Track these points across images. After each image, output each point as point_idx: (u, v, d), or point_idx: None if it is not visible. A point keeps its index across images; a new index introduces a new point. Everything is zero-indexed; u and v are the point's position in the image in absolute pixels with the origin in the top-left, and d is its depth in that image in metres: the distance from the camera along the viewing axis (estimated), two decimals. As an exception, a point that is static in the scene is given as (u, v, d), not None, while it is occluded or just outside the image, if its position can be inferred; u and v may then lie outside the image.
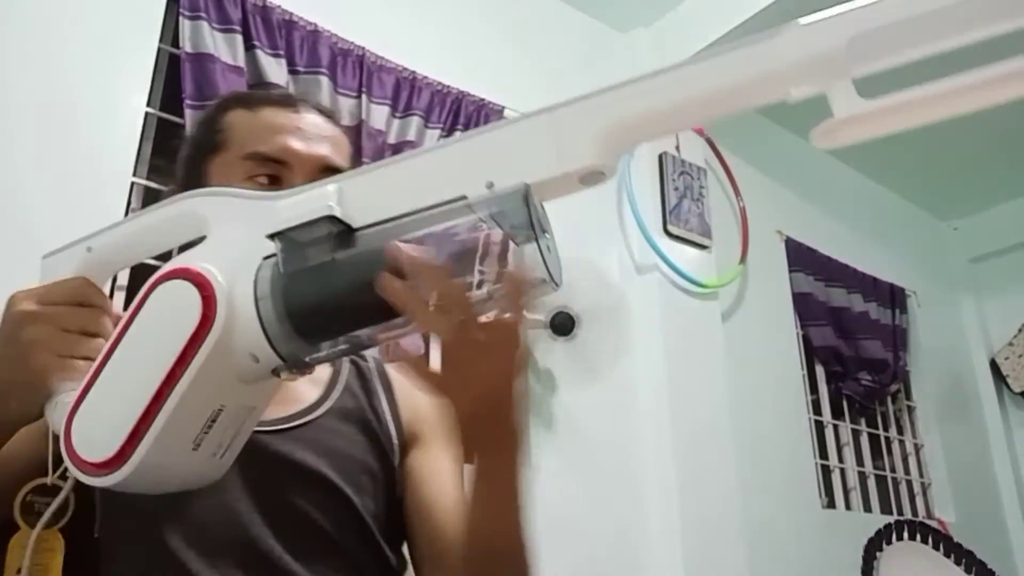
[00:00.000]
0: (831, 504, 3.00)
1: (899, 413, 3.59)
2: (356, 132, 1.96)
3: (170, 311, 0.45)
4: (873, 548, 2.75)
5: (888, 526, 2.87)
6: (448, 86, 2.20)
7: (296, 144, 0.73)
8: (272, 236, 0.46)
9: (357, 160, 0.85)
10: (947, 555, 2.94)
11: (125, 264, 0.55)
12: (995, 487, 3.67)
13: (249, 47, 1.83)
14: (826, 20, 0.40)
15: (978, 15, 0.37)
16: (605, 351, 2.26)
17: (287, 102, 0.78)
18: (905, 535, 2.89)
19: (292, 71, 1.90)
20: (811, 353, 3.16)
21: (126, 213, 1.64)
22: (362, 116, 1.97)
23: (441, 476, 0.77)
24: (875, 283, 3.47)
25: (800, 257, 3.17)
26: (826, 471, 3.07)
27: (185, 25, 1.75)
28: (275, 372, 0.47)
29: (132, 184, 1.67)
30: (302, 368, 0.48)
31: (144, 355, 0.45)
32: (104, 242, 0.53)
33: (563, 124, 0.44)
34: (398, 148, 2.03)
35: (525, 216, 0.43)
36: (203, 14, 1.77)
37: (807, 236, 3.25)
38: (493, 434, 0.59)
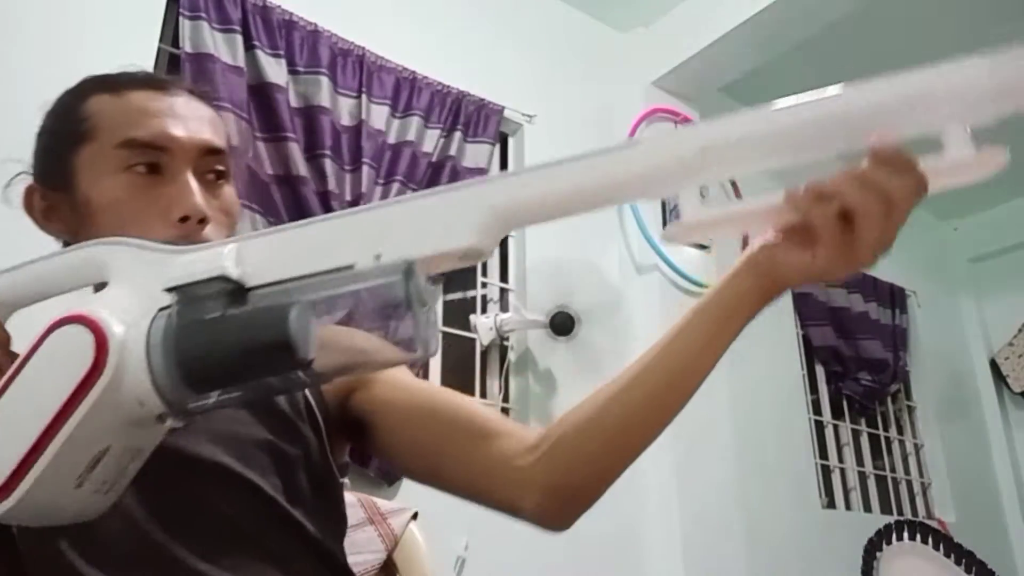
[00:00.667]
0: (831, 504, 3.00)
1: (899, 413, 3.59)
2: (356, 132, 1.96)
3: (65, 354, 0.47)
4: (873, 548, 2.75)
5: (888, 526, 2.87)
6: (448, 86, 2.20)
7: (175, 128, 0.69)
8: (169, 289, 0.49)
9: (242, 146, 0.84)
10: (947, 555, 2.94)
11: (24, 305, 0.56)
12: (995, 487, 3.67)
13: (249, 47, 1.84)
14: (680, 133, 0.48)
15: (797, 145, 0.48)
16: (605, 351, 2.26)
17: (156, 84, 0.73)
18: (905, 535, 2.89)
19: (292, 71, 1.90)
20: (811, 353, 3.16)
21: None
22: (362, 116, 1.97)
23: (413, 381, 0.77)
24: (875, 283, 3.47)
25: (800, 257, 3.17)
26: (826, 471, 3.07)
27: (185, 25, 1.75)
28: (160, 418, 0.49)
29: (132, 184, 1.67)
30: (188, 415, 0.50)
31: (36, 394, 0.47)
32: (2, 285, 0.55)
33: (449, 207, 0.50)
34: (398, 148, 2.03)
35: (403, 291, 0.47)
36: (203, 14, 1.77)
37: (807, 236, 3.24)
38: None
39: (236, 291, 0.49)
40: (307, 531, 0.68)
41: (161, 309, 0.48)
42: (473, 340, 2.15)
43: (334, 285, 0.48)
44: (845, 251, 0.50)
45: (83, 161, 0.69)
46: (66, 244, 0.72)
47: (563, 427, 0.69)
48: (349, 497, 0.99)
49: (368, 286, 0.47)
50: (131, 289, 0.50)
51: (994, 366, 3.87)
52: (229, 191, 0.73)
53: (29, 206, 0.73)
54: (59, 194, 0.71)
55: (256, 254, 0.50)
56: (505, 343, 2.21)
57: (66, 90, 0.78)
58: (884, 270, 3.55)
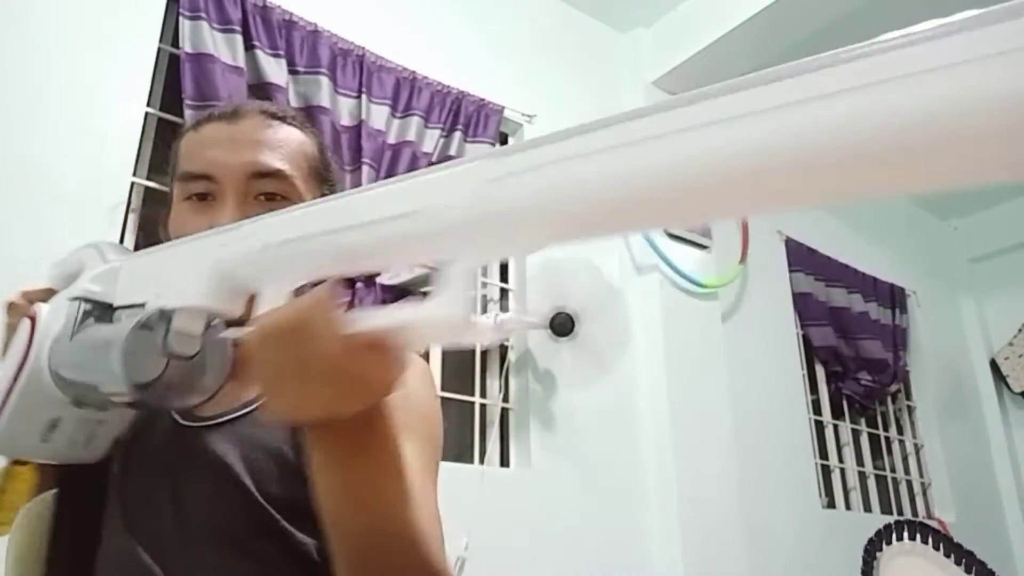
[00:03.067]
0: (831, 504, 3.01)
1: (899, 413, 3.59)
2: (356, 132, 1.96)
3: (18, 341, 0.59)
4: (873, 548, 2.75)
5: (888, 526, 2.87)
6: (448, 86, 2.20)
7: (221, 155, 0.72)
8: (72, 299, 0.57)
9: (331, 155, 0.84)
10: (947, 555, 2.94)
11: (65, 286, 0.64)
12: (995, 487, 3.67)
13: (249, 47, 1.83)
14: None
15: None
16: (605, 351, 2.26)
17: (229, 115, 0.77)
18: (905, 535, 2.89)
19: (292, 71, 1.90)
20: (811, 353, 3.16)
21: (126, 213, 1.64)
22: (362, 116, 1.97)
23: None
24: (875, 283, 3.47)
25: (800, 257, 3.17)
26: (826, 471, 3.07)
27: (185, 25, 1.75)
28: (75, 403, 0.57)
29: (132, 184, 1.67)
30: (97, 406, 0.57)
31: (7, 367, 0.59)
32: (54, 271, 0.65)
33: (189, 258, 0.50)
34: (398, 148, 2.03)
35: (162, 335, 0.49)
36: (203, 14, 1.77)
37: (807, 236, 3.25)
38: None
39: (106, 308, 0.56)
40: (295, 541, 0.67)
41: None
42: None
43: (137, 319, 0.52)
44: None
45: (174, 194, 0.77)
46: None
47: None
48: None
49: (139, 328, 0.50)
50: (73, 290, 0.59)
51: (994, 366, 3.87)
52: None
53: (164, 225, 0.78)
54: None
55: (129, 274, 0.56)
56: (505, 343, 2.21)
57: None
58: (884, 270, 3.55)
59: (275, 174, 0.73)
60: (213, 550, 0.66)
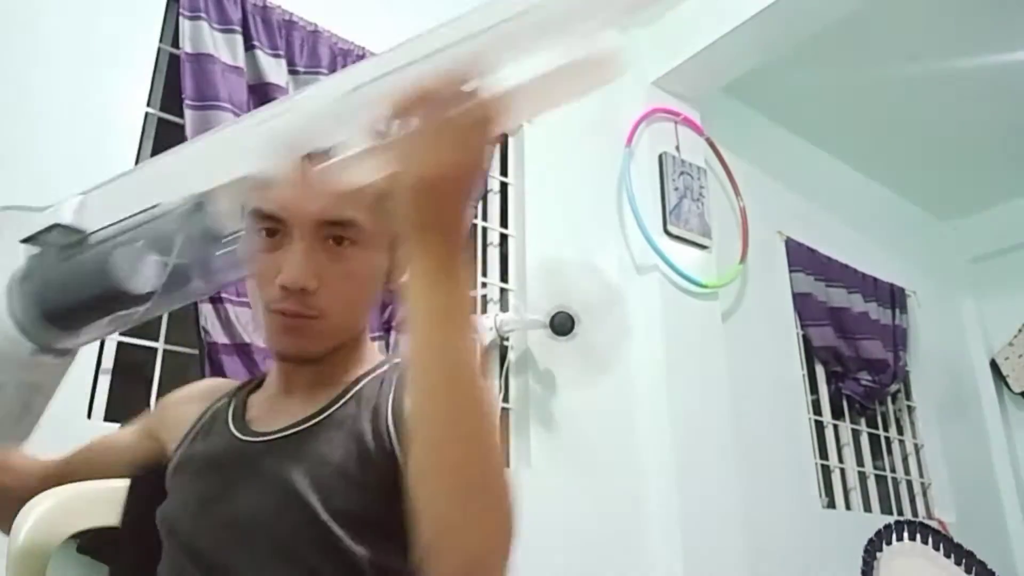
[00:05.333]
0: (831, 504, 3.01)
1: (899, 413, 3.59)
2: (356, 132, 1.96)
3: None
4: (873, 548, 2.75)
5: (888, 526, 2.87)
6: (448, 86, 2.19)
7: (293, 200, 0.72)
8: (24, 241, 0.57)
9: None
10: (947, 555, 2.94)
11: None
12: (995, 487, 3.67)
13: (249, 47, 1.83)
14: None
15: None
16: (605, 351, 2.26)
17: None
18: (905, 535, 2.89)
19: (292, 71, 1.90)
20: (811, 353, 3.16)
21: (126, 213, 1.64)
22: (362, 116, 1.97)
23: None
24: (875, 283, 3.47)
25: (800, 257, 3.17)
26: (826, 471, 3.07)
27: (185, 25, 1.75)
28: (34, 353, 0.57)
29: (132, 184, 1.67)
30: (58, 352, 0.57)
31: None
32: None
33: (232, 140, 0.54)
34: (398, 148, 2.03)
35: (200, 224, 0.52)
36: (203, 14, 1.76)
37: (807, 236, 3.25)
38: (442, 225, 0.54)
39: (79, 236, 0.56)
40: (349, 553, 0.67)
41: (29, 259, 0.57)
42: (473, 340, 2.15)
43: (148, 221, 0.54)
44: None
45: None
46: None
47: None
48: None
49: (170, 222, 0.53)
50: (4, 246, 0.60)
51: (994, 366, 3.87)
52: (354, 256, 0.74)
53: None
54: None
55: (99, 201, 0.57)
56: (505, 343, 2.21)
57: None
58: (884, 270, 3.55)
59: (340, 224, 0.73)
60: (268, 563, 0.67)
